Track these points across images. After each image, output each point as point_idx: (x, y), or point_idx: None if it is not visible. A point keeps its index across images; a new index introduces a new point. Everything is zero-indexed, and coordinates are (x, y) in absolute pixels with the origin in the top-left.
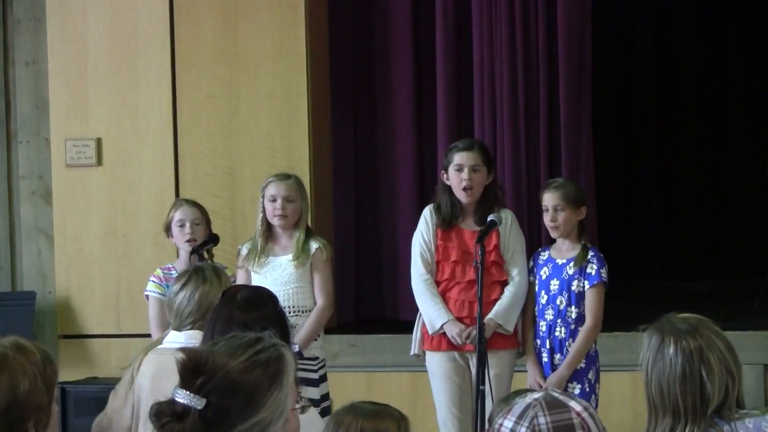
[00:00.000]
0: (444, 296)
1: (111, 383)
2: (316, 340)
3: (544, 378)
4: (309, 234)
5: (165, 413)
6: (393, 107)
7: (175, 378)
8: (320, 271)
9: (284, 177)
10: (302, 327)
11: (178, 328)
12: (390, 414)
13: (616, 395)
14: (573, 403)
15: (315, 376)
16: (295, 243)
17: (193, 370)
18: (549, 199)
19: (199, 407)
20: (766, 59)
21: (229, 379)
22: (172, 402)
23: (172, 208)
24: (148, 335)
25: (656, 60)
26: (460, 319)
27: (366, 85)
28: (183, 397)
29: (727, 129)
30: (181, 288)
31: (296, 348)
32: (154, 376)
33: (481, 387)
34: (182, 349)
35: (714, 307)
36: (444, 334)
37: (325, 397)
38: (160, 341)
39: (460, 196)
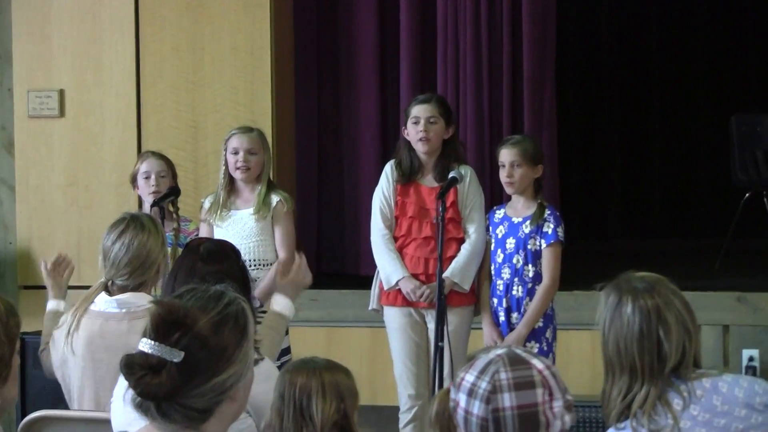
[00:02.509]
0: (401, 252)
1: None
2: None
3: (502, 337)
4: (271, 187)
5: (138, 365)
6: (356, 62)
7: (113, 349)
8: (282, 224)
9: (247, 130)
10: (263, 280)
11: (113, 278)
12: (340, 367)
13: (575, 353)
14: (535, 361)
15: None
16: (256, 196)
17: (171, 323)
18: (506, 154)
19: (177, 360)
20: (732, 13)
21: (204, 334)
22: (143, 354)
23: (139, 159)
24: None
25: (622, 16)
26: (415, 276)
27: (330, 39)
28: (157, 349)
29: (691, 88)
30: (118, 237)
31: (257, 302)
32: (87, 345)
33: (440, 344)
34: (158, 302)
35: (674, 266)
36: (400, 289)
37: (286, 350)
38: (90, 298)
39: (418, 148)
